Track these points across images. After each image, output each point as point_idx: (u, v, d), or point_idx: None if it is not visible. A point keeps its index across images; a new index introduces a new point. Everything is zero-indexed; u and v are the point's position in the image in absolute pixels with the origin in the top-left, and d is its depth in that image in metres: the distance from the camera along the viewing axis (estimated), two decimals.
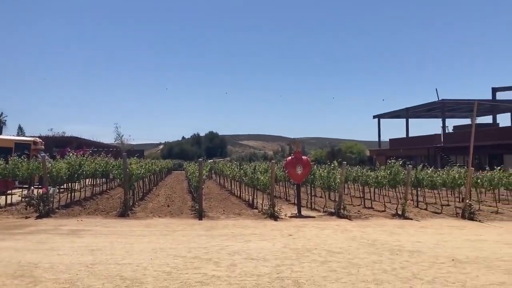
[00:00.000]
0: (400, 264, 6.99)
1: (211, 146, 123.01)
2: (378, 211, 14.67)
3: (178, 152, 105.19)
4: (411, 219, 13.04)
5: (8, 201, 14.16)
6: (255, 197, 15.40)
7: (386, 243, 8.85)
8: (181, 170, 54.03)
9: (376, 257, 7.53)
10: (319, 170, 15.87)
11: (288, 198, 18.42)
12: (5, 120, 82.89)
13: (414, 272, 6.49)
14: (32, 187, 15.04)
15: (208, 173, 32.41)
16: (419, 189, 16.90)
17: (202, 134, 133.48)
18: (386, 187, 15.82)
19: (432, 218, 13.49)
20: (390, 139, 59.44)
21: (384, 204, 15.43)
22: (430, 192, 17.77)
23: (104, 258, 6.99)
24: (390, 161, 14.95)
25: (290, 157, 14.64)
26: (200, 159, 15.27)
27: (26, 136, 39.33)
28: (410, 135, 54.87)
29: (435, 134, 48.60)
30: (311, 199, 15.80)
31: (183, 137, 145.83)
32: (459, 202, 16.14)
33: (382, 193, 17.46)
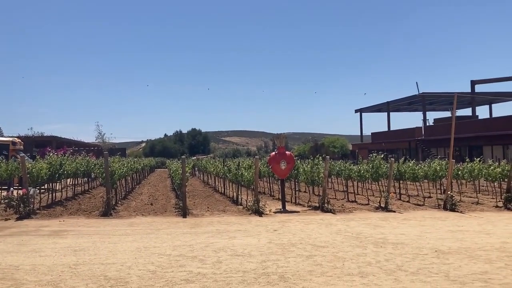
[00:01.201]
0: (384, 257, 7.05)
1: (194, 143, 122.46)
2: (362, 204, 14.80)
3: (160, 150, 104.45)
4: (394, 211, 13.19)
5: None
6: (239, 193, 15.38)
7: (370, 236, 8.93)
8: (164, 168, 53.68)
9: (361, 250, 7.59)
10: (302, 165, 15.93)
11: (272, 193, 18.45)
12: None
13: (398, 264, 6.56)
14: (12, 188, 14.74)
15: (192, 170, 32.33)
16: (401, 182, 17.09)
17: (184, 131, 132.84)
18: (369, 181, 15.98)
19: (414, 210, 13.66)
20: (372, 133, 60.05)
21: (368, 198, 15.57)
22: (412, 184, 18.00)
23: (88, 258, 6.89)
24: (372, 155, 15.09)
25: (273, 153, 14.65)
26: (183, 157, 15.17)
27: (5, 136, 38.56)
28: (392, 128, 55.51)
29: (416, 127, 49.25)
30: (295, 194, 15.84)
31: (165, 135, 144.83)
32: (440, 193, 16.40)
33: (365, 187, 17.64)
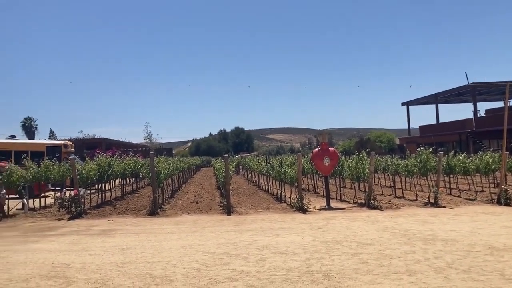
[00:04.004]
0: (433, 254, 6.77)
1: (238, 142, 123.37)
2: (410, 200, 14.35)
3: (205, 149, 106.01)
4: (444, 207, 12.70)
5: (42, 204, 14.52)
6: (283, 190, 15.31)
7: (418, 233, 8.62)
8: (209, 167, 54.40)
9: (409, 247, 7.33)
10: (347, 161, 15.63)
11: (316, 190, 18.25)
12: (37, 125, 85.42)
13: (448, 262, 6.28)
14: (64, 189, 15.37)
15: (235, 168, 32.56)
16: (451, 176, 16.44)
17: (228, 130, 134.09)
18: (417, 176, 15.46)
19: (466, 205, 13.10)
20: (420, 126, 58.18)
21: (416, 193, 15.08)
22: (463, 178, 17.28)
23: (134, 257, 7.05)
24: (420, 149, 14.59)
25: (316, 149, 14.46)
26: (226, 155, 15.27)
27: (57, 140, 40.30)
28: (440, 121, 53.57)
29: (466, 119, 47.27)
30: (340, 190, 15.59)
31: (210, 134, 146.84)
32: (494, 187, 15.65)
33: (413, 182, 17.08)
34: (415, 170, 14.71)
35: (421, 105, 62.49)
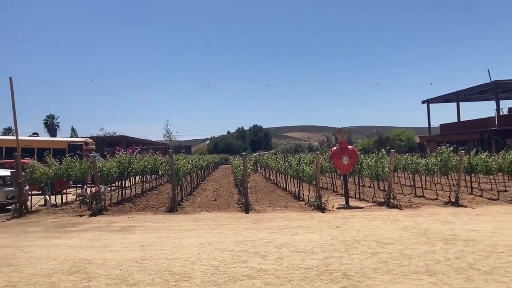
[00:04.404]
0: (454, 254, 6.68)
1: (256, 140, 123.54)
2: (430, 199, 14.17)
3: (223, 147, 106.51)
4: (465, 206, 12.50)
5: (64, 200, 14.80)
6: (301, 189, 15.27)
7: (439, 232, 8.50)
8: (227, 164, 54.60)
9: (429, 247, 7.24)
10: (366, 160, 15.50)
11: (335, 189, 18.16)
12: (58, 123, 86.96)
13: (470, 262, 6.18)
14: (85, 186, 15.63)
15: (253, 166, 32.61)
16: (473, 175, 16.17)
17: (246, 128, 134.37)
18: (438, 175, 15.24)
19: (488, 205, 12.87)
20: (440, 125, 57.25)
21: (436, 192, 14.88)
22: (485, 178, 16.96)
23: (154, 253, 7.13)
24: (440, 147, 14.38)
25: (335, 147, 14.37)
26: (243, 153, 15.30)
27: (79, 137, 40.90)
28: (462, 119, 52.64)
29: (488, 117, 46.33)
30: (359, 189, 15.48)
31: (228, 132, 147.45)
32: None
33: (433, 181, 16.85)
34: (435, 169, 14.50)
35: (442, 103, 61.50)
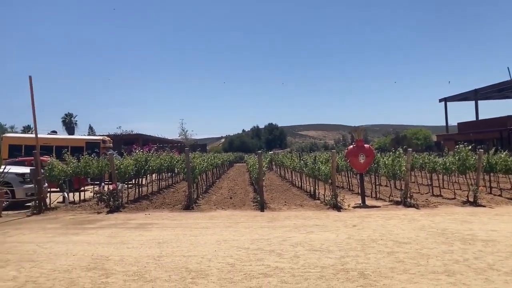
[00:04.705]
0: (473, 254, 6.59)
1: (271, 138, 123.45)
2: (448, 198, 13.99)
3: (238, 145, 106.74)
4: (484, 206, 12.31)
5: (82, 198, 15.01)
6: (316, 187, 15.22)
7: (457, 232, 8.39)
8: (242, 163, 54.68)
9: (447, 247, 7.15)
10: (383, 158, 15.38)
11: (351, 188, 18.06)
12: (76, 121, 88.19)
13: (489, 263, 6.09)
14: (103, 184, 15.82)
15: (268, 165, 32.59)
16: (492, 174, 15.91)
17: (261, 126, 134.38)
18: (456, 174, 15.04)
19: (507, 205, 12.66)
20: (458, 123, 56.49)
21: (454, 192, 14.69)
22: (504, 177, 16.68)
23: (171, 250, 7.19)
24: (458, 146, 14.18)
25: (351, 146, 14.29)
26: (259, 151, 15.31)
27: (96, 135, 41.38)
28: (480, 117, 51.82)
29: (508, 116, 45.51)
30: (375, 188, 15.36)
31: (243, 130, 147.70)
32: None
33: (451, 180, 16.66)
34: (453, 168, 14.31)
35: (460, 102, 60.63)
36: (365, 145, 13.98)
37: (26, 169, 14.64)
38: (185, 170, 13.56)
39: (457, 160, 14.03)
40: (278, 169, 32.98)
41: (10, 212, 12.63)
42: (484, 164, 14.63)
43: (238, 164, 54.71)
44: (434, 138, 67.86)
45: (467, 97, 55.58)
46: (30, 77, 13.11)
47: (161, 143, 49.84)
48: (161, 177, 19.79)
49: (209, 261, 6.44)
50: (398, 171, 13.70)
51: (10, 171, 13.38)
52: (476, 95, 51.52)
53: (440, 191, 15.41)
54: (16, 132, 58.29)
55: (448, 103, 58.39)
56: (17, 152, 23.93)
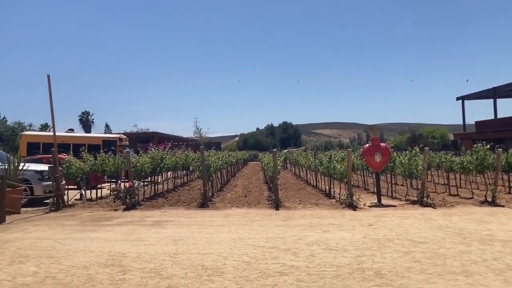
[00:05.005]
0: (492, 255, 6.49)
1: (285, 136, 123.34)
2: (465, 198, 13.81)
3: (253, 143, 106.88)
4: (503, 206, 12.12)
5: (98, 195, 15.19)
6: (332, 186, 15.16)
7: (475, 232, 8.29)
8: (256, 161, 54.71)
9: (464, 247, 7.07)
10: (399, 157, 15.24)
11: (366, 187, 17.94)
12: (93, 119, 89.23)
13: (508, 264, 6.00)
14: (119, 181, 15.98)
15: (283, 163, 32.56)
16: (510, 174, 15.65)
17: (276, 124, 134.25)
18: (473, 173, 14.84)
19: None
20: (476, 122, 55.65)
21: (471, 191, 14.49)
22: None
23: (187, 248, 7.23)
24: (476, 145, 13.99)
25: (367, 145, 14.19)
26: (274, 150, 15.30)
27: (113, 133, 41.83)
28: (499, 116, 50.96)
29: None
30: (391, 187, 15.24)
31: (257, 129, 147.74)
32: None
33: (468, 180, 16.43)
34: (471, 167, 14.13)
35: (478, 100, 59.70)
36: (381, 143, 13.87)
37: (44, 167, 14.86)
38: (200, 168, 13.63)
39: (475, 159, 13.84)
40: (293, 168, 32.92)
41: (28, 208, 12.83)
42: (503, 163, 14.40)
43: (252, 162, 54.77)
44: (451, 137, 66.95)
45: (485, 95, 54.68)
46: (48, 76, 13.31)
47: (176, 141, 50.12)
48: (176, 175, 19.92)
49: (225, 259, 6.47)
50: (415, 170, 13.56)
51: (29, 168, 13.59)
52: (494, 93, 50.68)
53: (457, 191, 15.22)
54: (34, 130, 59.19)
55: (466, 102, 57.57)
56: (35, 149, 24.31)
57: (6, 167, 12.36)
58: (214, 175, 15.63)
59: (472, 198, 13.72)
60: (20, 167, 13.06)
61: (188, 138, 66.86)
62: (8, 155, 13.63)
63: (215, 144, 60.91)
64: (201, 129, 71.53)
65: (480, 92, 53.68)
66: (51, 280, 5.54)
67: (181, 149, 23.27)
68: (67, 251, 7.09)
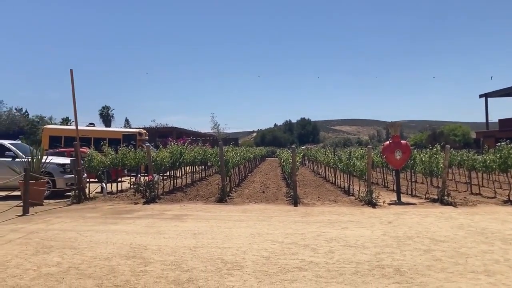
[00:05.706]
0: None
1: (303, 133, 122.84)
2: (487, 197, 13.58)
3: (270, 139, 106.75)
4: None
5: (119, 188, 15.41)
6: (351, 183, 15.07)
7: (497, 232, 8.15)
8: (273, 157, 54.67)
9: (487, 246, 6.96)
10: (419, 155, 15.06)
11: (386, 184, 17.79)
12: (113, 114, 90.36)
13: None
14: (139, 175, 16.17)
15: (301, 160, 32.49)
16: None
17: (294, 120, 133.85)
18: (496, 172, 14.56)
19: None
20: (499, 120, 54.47)
21: (494, 190, 14.24)
22: None
23: (206, 241, 7.30)
24: (500, 143, 13.72)
25: (387, 142, 14.05)
26: (293, 146, 15.28)
27: (132, 128, 42.29)
28: None
29: None
30: (411, 185, 15.08)
31: (275, 125, 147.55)
32: None
33: (491, 179, 16.15)
34: (494, 166, 13.87)
35: (502, 97, 58.43)
36: (402, 141, 13.72)
37: (66, 160, 15.14)
38: (219, 163, 13.70)
39: (498, 158, 13.58)
40: (311, 164, 32.82)
41: (51, 201, 13.10)
42: None
43: (269, 158, 54.76)
44: (473, 135, 65.74)
45: (509, 93, 53.52)
46: (71, 70, 13.51)
47: (194, 136, 50.47)
48: (194, 170, 20.07)
49: (244, 253, 6.50)
50: (435, 168, 13.38)
51: (51, 161, 13.85)
52: None
53: (479, 190, 14.98)
54: (55, 124, 60.23)
55: (489, 99, 56.43)
56: (57, 143, 24.75)
57: (29, 159, 12.63)
58: (232, 170, 15.70)
59: (494, 197, 13.48)
60: (43, 160, 13.31)
61: (206, 134, 67.24)
62: (31, 148, 13.91)
63: (233, 139, 61.08)
64: (219, 124, 71.91)
65: (505, 89, 52.53)
66: (74, 270, 5.66)
67: (199, 144, 23.41)
68: (89, 243, 7.23)
